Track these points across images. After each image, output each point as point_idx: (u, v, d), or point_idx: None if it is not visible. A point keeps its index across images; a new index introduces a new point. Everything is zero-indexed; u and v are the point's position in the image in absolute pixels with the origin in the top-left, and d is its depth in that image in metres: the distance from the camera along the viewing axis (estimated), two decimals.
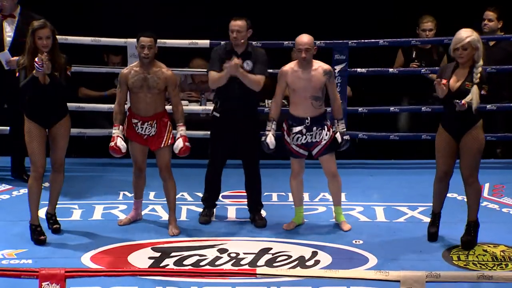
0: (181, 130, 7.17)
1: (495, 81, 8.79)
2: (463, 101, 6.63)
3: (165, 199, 7.38)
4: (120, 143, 7.11)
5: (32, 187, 6.95)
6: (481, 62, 6.73)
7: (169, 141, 7.19)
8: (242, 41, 7.23)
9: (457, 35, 6.76)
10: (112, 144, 7.12)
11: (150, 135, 7.18)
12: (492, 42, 8.92)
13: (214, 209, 7.57)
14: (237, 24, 7.21)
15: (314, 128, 7.19)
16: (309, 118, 7.17)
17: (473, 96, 6.68)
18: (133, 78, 7.15)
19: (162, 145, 7.18)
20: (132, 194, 7.85)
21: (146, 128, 7.17)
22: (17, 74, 6.92)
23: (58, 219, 7.24)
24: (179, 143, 7.13)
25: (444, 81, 6.72)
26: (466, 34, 6.72)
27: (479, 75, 6.71)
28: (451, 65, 6.87)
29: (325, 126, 7.22)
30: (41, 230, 7.03)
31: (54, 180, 7.12)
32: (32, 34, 6.83)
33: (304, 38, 7.13)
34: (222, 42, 7.79)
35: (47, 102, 6.93)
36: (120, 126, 7.18)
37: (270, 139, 7.21)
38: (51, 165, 7.09)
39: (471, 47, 6.70)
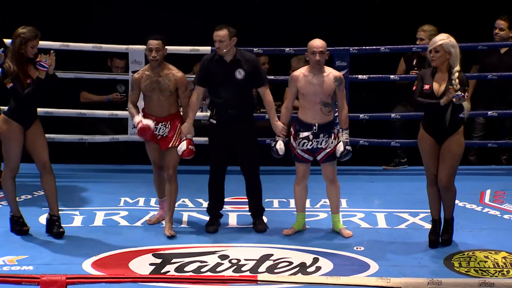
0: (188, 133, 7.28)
1: (504, 87, 8.83)
2: (462, 94, 6.72)
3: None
4: (146, 121, 7.18)
5: (8, 184, 7.13)
6: (457, 67, 6.83)
7: (177, 142, 7.25)
8: (225, 50, 7.24)
9: (433, 39, 6.87)
10: (140, 125, 7.18)
11: (164, 135, 7.25)
12: (504, 49, 8.94)
13: (220, 219, 7.55)
14: (219, 34, 7.23)
15: (321, 135, 7.20)
16: (316, 125, 7.18)
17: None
18: (145, 81, 7.23)
19: (170, 145, 7.24)
20: (133, 200, 7.90)
21: (160, 128, 7.24)
22: (8, 86, 6.92)
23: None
24: (183, 146, 7.20)
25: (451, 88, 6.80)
26: (439, 38, 6.85)
27: (457, 80, 6.80)
28: (429, 70, 6.96)
29: (332, 134, 7.23)
30: (23, 221, 7.20)
31: (47, 182, 7.17)
32: (25, 43, 6.90)
33: (318, 42, 7.16)
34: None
35: (35, 102, 7.04)
36: (140, 114, 7.28)
37: (279, 145, 7.24)
38: (38, 168, 7.13)
39: (443, 50, 6.81)
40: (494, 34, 8.88)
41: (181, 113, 7.34)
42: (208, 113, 7.44)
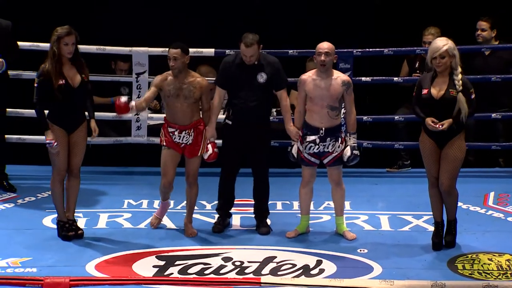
0: (211, 136, 7.31)
1: (495, 88, 8.82)
2: (440, 127, 6.78)
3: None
4: (124, 99, 7.09)
5: (56, 188, 7.09)
6: (459, 69, 6.81)
7: (205, 149, 7.27)
8: (256, 62, 7.25)
9: (433, 44, 6.89)
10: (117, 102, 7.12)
11: (188, 143, 7.24)
12: (488, 51, 8.93)
13: (229, 219, 7.57)
14: (249, 51, 7.18)
15: (328, 139, 7.20)
16: (323, 129, 7.18)
17: (460, 105, 6.77)
18: (169, 86, 7.18)
19: (199, 153, 7.27)
20: (137, 203, 7.92)
21: (183, 136, 7.22)
22: (35, 84, 6.97)
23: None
24: (209, 149, 7.26)
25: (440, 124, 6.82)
26: (442, 43, 6.82)
27: (461, 82, 6.79)
28: (428, 75, 6.95)
29: (339, 138, 7.22)
30: (69, 226, 7.14)
31: (72, 185, 7.18)
32: (58, 41, 6.90)
33: (325, 44, 7.17)
34: (228, 51, 7.78)
35: (74, 105, 7.05)
36: (134, 101, 7.20)
37: (295, 149, 7.26)
38: (68, 170, 7.13)
39: (448, 55, 6.80)
40: (476, 36, 8.89)
41: (203, 116, 7.30)
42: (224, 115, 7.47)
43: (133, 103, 7.13)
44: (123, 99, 7.09)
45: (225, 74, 7.35)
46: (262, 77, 7.30)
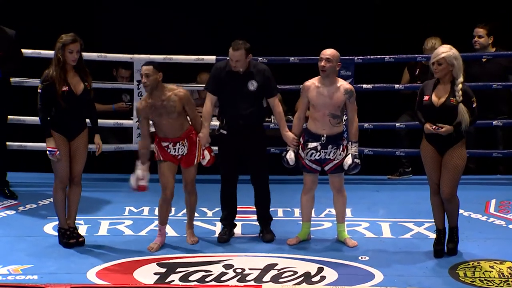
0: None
1: (493, 95, 8.82)
2: (439, 129, 6.80)
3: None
4: (144, 182, 7.20)
5: (58, 195, 7.10)
6: (461, 79, 6.81)
7: (201, 157, 7.28)
8: (241, 69, 7.25)
9: (436, 50, 6.88)
10: (137, 184, 7.20)
11: (184, 154, 7.24)
12: (484, 57, 8.94)
13: (234, 230, 7.56)
14: (235, 55, 7.19)
15: (329, 146, 7.20)
16: (325, 136, 7.18)
17: (461, 116, 6.78)
18: (150, 109, 7.15)
19: (195, 162, 7.27)
20: (138, 210, 7.90)
21: (178, 148, 7.22)
22: (38, 90, 6.97)
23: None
24: (207, 156, 7.26)
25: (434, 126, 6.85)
26: (442, 50, 6.83)
27: (461, 92, 6.78)
28: (432, 81, 6.96)
29: (341, 146, 7.22)
30: (70, 234, 7.14)
31: (73, 193, 7.20)
32: (63, 48, 6.91)
33: (327, 50, 7.17)
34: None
35: (76, 113, 7.06)
36: (144, 165, 7.20)
37: (289, 155, 7.26)
38: (70, 178, 7.13)
39: (446, 63, 6.80)
40: (473, 42, 8.90)
41: (192, 124, 7.27)
42: (214, 122, 7.44)
43: (139, 173, 7.17)
44: (141, 183, 7.20)
45: (216, 80, 7.34)
46: (252, 85, 7.30)
